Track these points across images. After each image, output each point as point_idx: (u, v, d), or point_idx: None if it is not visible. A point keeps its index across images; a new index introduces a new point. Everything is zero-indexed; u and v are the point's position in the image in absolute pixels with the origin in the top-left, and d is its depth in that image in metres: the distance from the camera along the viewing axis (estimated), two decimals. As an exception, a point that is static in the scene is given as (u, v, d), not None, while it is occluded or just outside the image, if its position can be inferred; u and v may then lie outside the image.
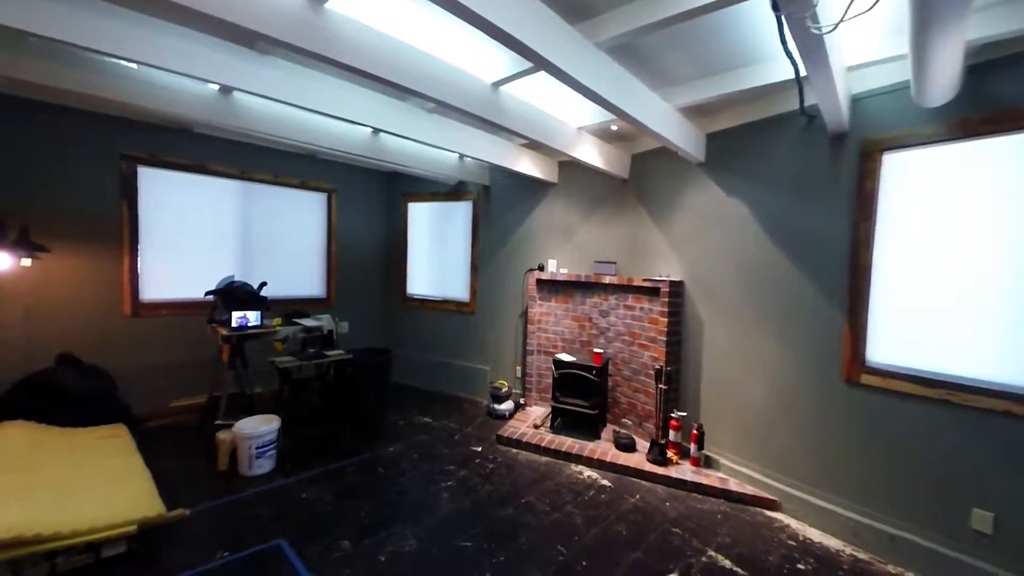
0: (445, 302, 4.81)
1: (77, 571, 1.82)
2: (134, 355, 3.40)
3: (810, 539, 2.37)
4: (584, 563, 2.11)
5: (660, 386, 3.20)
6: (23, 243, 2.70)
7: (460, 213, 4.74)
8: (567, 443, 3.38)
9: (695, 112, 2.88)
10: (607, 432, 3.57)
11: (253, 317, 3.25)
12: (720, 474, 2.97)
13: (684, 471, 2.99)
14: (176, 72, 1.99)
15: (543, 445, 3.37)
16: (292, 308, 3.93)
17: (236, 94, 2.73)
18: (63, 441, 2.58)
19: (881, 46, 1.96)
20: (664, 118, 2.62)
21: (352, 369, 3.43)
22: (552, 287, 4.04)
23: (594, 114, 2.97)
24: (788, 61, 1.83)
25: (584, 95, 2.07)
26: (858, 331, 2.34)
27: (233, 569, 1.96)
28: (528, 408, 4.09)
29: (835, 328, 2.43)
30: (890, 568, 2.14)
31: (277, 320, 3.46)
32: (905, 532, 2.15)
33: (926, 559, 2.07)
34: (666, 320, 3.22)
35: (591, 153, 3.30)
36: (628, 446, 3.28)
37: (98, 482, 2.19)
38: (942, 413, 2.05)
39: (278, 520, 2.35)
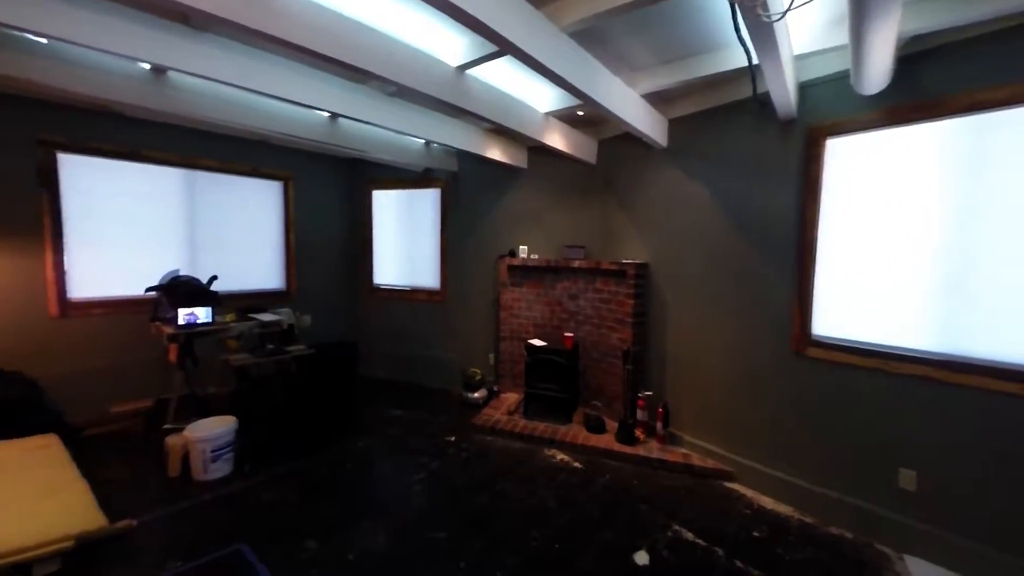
0: (414, 291, 4.71)
1: None
2: (65, 359, 3.10)
3: (763, 507, 2.53)
4: (557, 545, 2.15)
5: (627, 367, 3.29)
6: None
7: (428, 200, 4.63)
8: (540, 427, 3.41)
9: (657, 98, 2.93)
10: (579, 415, 3.63)
11: (203, 314, 3.03)
12: (684, 450, 3.10)
13: (651, 449, 3.09)
14: (95, 48, 1.78)
15: (517, 431, 3.39)
16: (247, 303, 3.71)
17: (171, 74, 2.50)
18: None
19: (825, 36, 2.05)
20: (628, 104, 2.64)
21: (315, 364, 3.29)
22: (523, 273, 4.03)
23: (561, 99, 2.95)
24: (742, 49, 1.88)
25: (551, 80, 2.05)
26: (805, 306, 2.49)
27: (189, 579, 1.84)
28: (502, 395, 4.09)
29: (785, 304, 2.57)
30: (832, 530, 2.31)
31: (230, 316, 3.26)
32: (845, 495, 2.32)
33: (862, 519, 2.25)
34: (632, 302, 3.30)
35: (559, 139, 3.30)
36: (598, 427, 3.36)
37: (28, 496, 1.98)
38: (877, 381, 2.22)
39: (237, 524, 2.23)
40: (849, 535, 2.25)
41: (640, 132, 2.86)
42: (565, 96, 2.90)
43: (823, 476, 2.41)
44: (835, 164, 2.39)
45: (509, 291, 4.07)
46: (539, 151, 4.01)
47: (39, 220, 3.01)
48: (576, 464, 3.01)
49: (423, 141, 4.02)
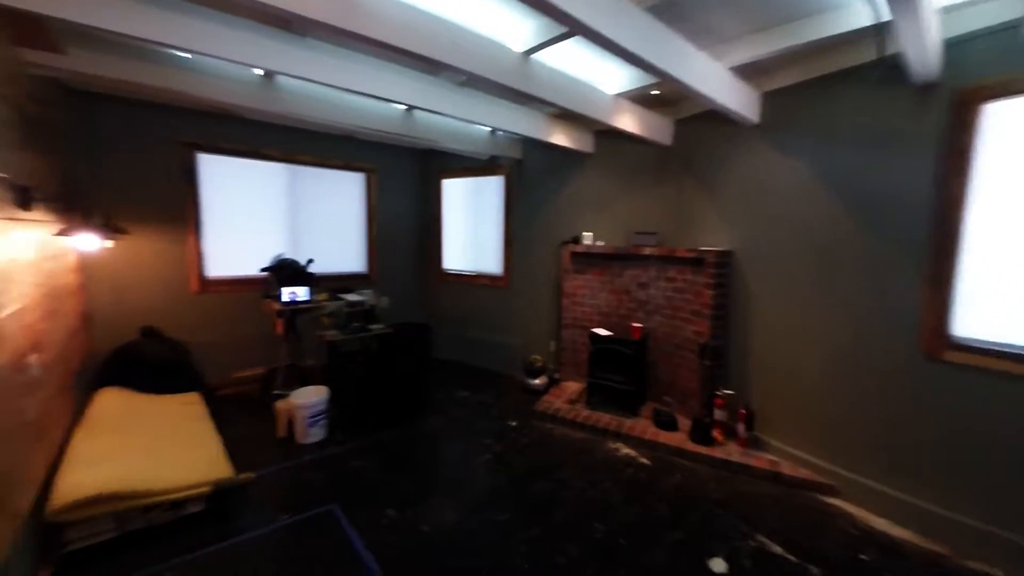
0: (479, 276, 4.86)
1: (164, 526, 2.04)
2: (202, 328, 3.70)
3: (873, 528, 2.23)
4: (622, 540, 2.11)
5: (704, 362, 3.08)
6: (106, 226, 2.96)
7: (493, 188, 4.70)
8: (604, 419, 3.35)
9: (749, 71, 2.60)
10: (646, 409, 3.50)
11: (302, 293, 3.43)
12: (770, 456, 2.84)
13: (730, 451, 2.88)
14: (222, 58, 2.05)
15: (579, 421, 3.36)
16: (337, 284, 4.10)
17: (278, 78, 2.80)
18: (150, 407, 2.87)
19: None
20: (713, 79, 2.40)
21: (392, 343, 3.55)
22: (588, 260, 3.93)
23: (634, 79, 2.78)
24: (864, 6, 1.59)
25: (624, 59, 1.93)
26: (942, 302, 2.09)
27: (294, 530, 2.13)
28: (563, 383, 4.08)
29: (913, 299, 2.19)
30: (971, 564, 1.96)
31: (324, 295, 3.64)
32: (993, 525, 1.95)
33: (1018, 556, 1.87)
34: (711, 292, 3.05)
35: (630, 120, 3.12)
36: (669, 424, 3.21)
37: (180, 445, 2.41)
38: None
39: (331, 486, 2.52)
40: (999, 574, 1.90)
41: (726, 108, 2.58)
42: (638, 76, 2.72)
43: (962, 501, 2.05)
44: (993, 133, 1.94)
45: (572, 278, 4.00)
46: (607, 134, 3.83)
47: (184, 210, 3.60)
48: (643, 460, 2.92)
49: (489, 129, 4.05)
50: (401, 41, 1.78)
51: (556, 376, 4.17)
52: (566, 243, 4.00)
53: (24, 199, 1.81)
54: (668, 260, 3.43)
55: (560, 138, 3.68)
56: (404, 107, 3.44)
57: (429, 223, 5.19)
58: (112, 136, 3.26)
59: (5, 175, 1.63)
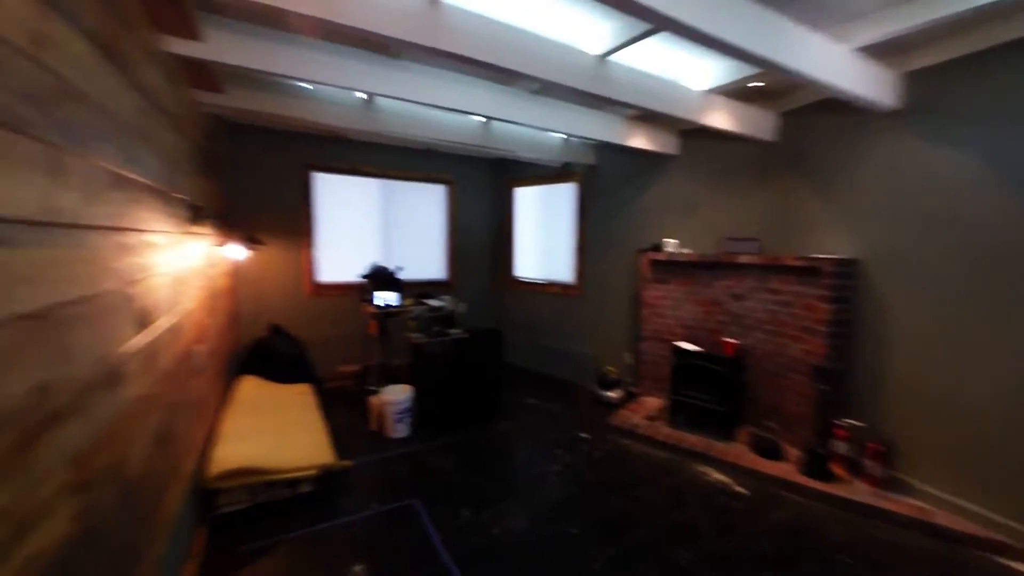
0: (550, 284, 4.81)
1: (282, 502, 2.30)
2: (314, 327, 4.21)
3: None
4: (714, 573, 1.89)
5: (819, 386, 2.65)
6: (248, 238, 3.54)
7: (565, 195, 4.64)
8: (689, 440, 3.07)
9: (883, 50, 2.20)
10: (742, 433, 3.13)
11: (393, 298, 3.71)
12: (917, 501, 2.34)
13: (857, 491, 2.44)
14: (335, 85, 2.30)
15: (659, 439, 3.13)
16: (422, 290, 4.37)
17: (377, 100, 3.10)
18: (275, 394, 3.32)
19: None
20: (833, 63, 2.07)
21: (468, 347, 3.66)
22: (670, 268, 3.66)
23: (728, 72, 2.53)
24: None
25: (719, 50, 1.76)
26: None
27: (381, 519, 2.29)
28: (641, 398, 3.84)
29: None
30: None
31: (409, 300, 3.90)
32: None
33: None
34: (828, 307, 2.63)
35: (723, 117, 2.84)
36: (772, 452, 2.83)
37: (296, 430, 2.73)
38: None
39: (412, 481, 2.67)
40: None
41: (851, 95, 2.22)
42: (735, 68, 2.47)
43: None
44: None
45: (652, 288, 3.74)
46: (694, 134, 3.54)
47: (301, 223, 4.15)
48: (739, 489, 2.60)
49: (563, 136, 4.00)
50: (481, 54, 1.84)
51: (633, 390, 3.94)
52: (645, 251, 3.78)
53: (196, 216, 2.23)
54: (771, 269, 3.04)
55: (639, 141, 3.50)
56: (482, 119, 3.56)
57: (502, 232, 5.30)
58: (251, 160, 3.88)
59: (185, 197, 2.01)
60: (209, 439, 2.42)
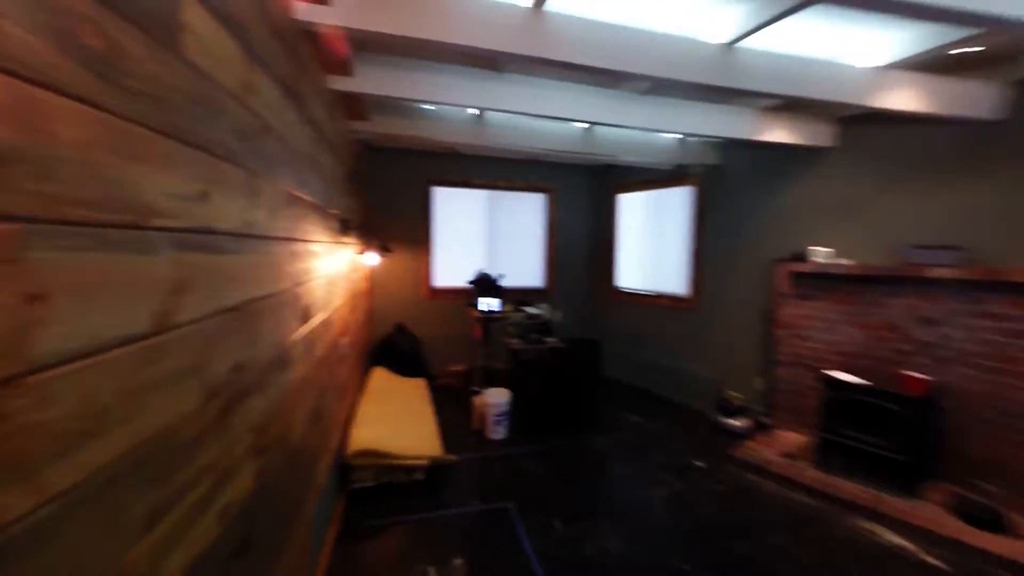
0: (658, 297, 4.47)
1: (399, 486, 2.52)
2: (430, 327, 4.59)
3: None
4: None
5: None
6: (382, 247, 4.04)
7: (678, 199, 4.29)
8: (846, 488, 2.56)
9: None
10: (935, 491, 2.49)
11: (495, 304, 3.86)
12: None
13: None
14: (452, 104, 2.49)
15: (802, 481, 2.68)
16: (521, 297, 4.46)
17: (486, 115, 3.28)
18: (398, 386, 3.69)
19: None
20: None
21: (565, 357, 3.60)
22: (820, 282, 3.10)
23: (916, 41, 2.06)
24: None
25: (906, 15, 1.44)
26: None
27: (479, 518, 2.37)
28: (775, 431, 3.32)
29: None
30: None
31: (510, 307, 4.00)
32: None
33: None
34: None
35: (907, 96, 2.30)
36: (988, 521, 2.20)
37: (414, 421, 3.00)
38: None
39: (508, 484, 2.71)
40: None
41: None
42: (929, 34, 2.00)
43: None
44: None
45: (792, 305, 3.22)
46: (860, 121, 2.96)
47: (422, 232, 4.60)
48: (931, 560, 2.07)
49: (677, 136, 3.71)
50: (587, 58, 1.81)
51: (764, 420, 3.44)
52: (783, 261, 3.28)
53: (344, 228, 2.61)
54: (985, 287, 2.37)
55: (779, 134, 3.06)
56: (585, 125, 3.50)
57: (602, 240, 5.12)
58: (384, 178, 4.42)
59: (337, 212, 2.38)
60: (349, 420, 2.78)
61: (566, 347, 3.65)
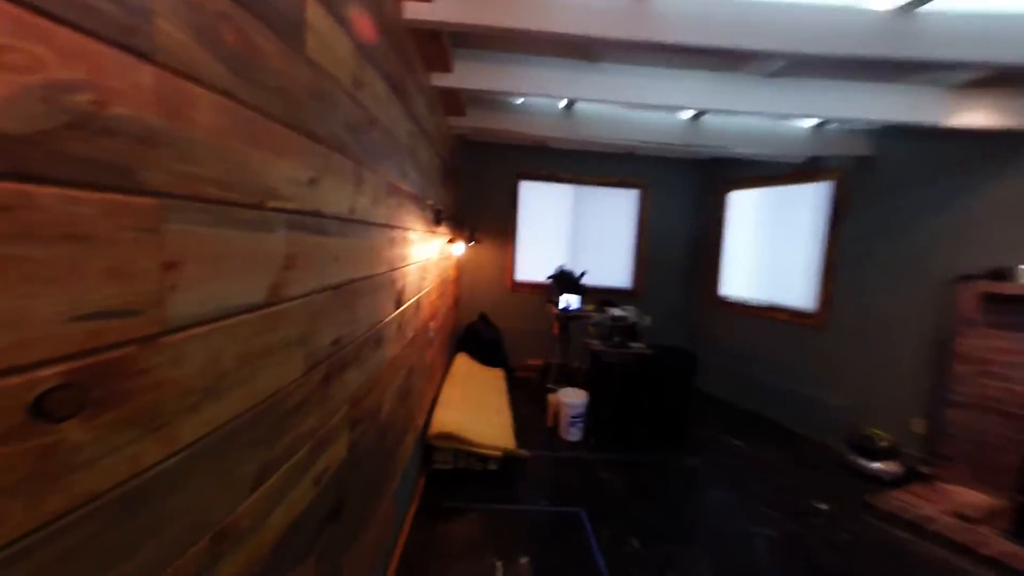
0: (774, 309, 3.91)
1: (475, 473, 2.59)
2: (510, 319, 4.67)
3: None
4: None
5: None
6: (470, 237, 4.20)
7: (809, 198, 3.68)
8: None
9: None
10: None
11: (575, 301, 3.75)
12: None
13: None
14: (542, 95, 2.46)
15: (986, 553, 2.13)
16: (604, 297, 4.27)
17: (576, 108, 3.17)
18: (479, 374, 3.83)
19: None
20: None
21: (652, 365, 3.35)
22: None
23: None
24: None
25: None
26: None
27: (549, 519, 2.33)
28: (939, 484, 2.69)
29: None
30: None
31: (591, 306, 3.86)
32: None
33: None
34: None
35: None
36: None
37: (491, 411, 3.08)
38: None
39: (579, 489, 2.62)
40: None
41: None
42: None
43: None
44: None
45: (982, 334, 2.57)
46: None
47: (508, 227, 4.67)
48: None
49: (811, 124, 3.18)
50: (701, 38, 1.61)
51: (923, 469, 2.82)
52: (972, 278, 2.61)
53: (438, 218, 2.75)
54: None
55: (976, 117, 2.40)
56: (690, 114, 3.18)
57: (705, 241, 4.64)
58: (475, 171, 4.57)
59: (431, 202, 2.51)
60: (433, 401, 2.94)
61: (655, 354, 3.41)
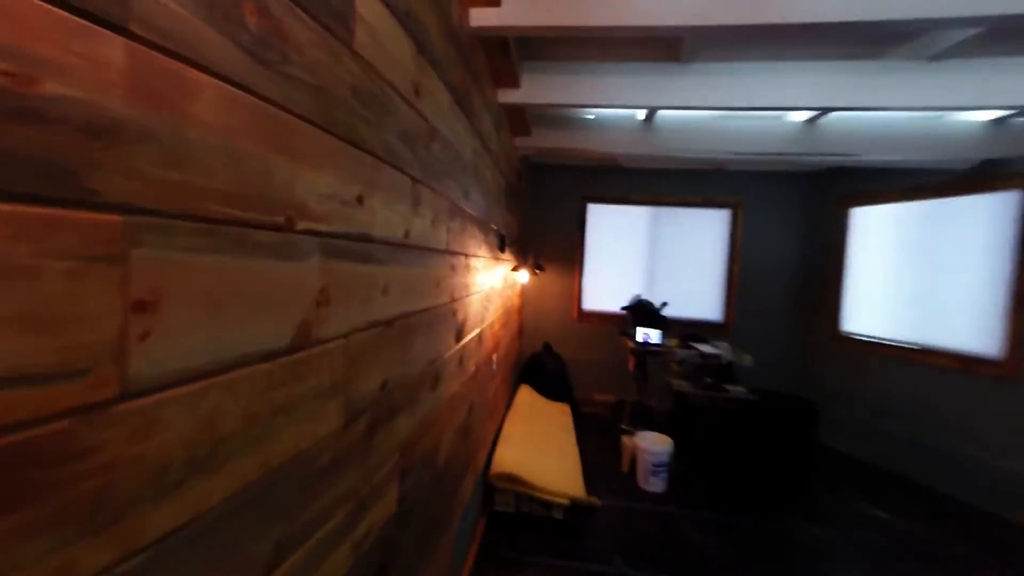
0: (930, 352, 3.13)
1: (537, 519, 2.34)
2: (577, 350, 4.37)
3: None
4: None
5: None
6: (535, 264, 4.06)
7: (981, 212, 2.91)
8: None
9: None
10: None
11: (654, 335, 3.36)
12: None
13: None
14: (614, 106, 2.23)
15: None
16: (688, 330, 3.81)
17: (656, 120, 2.90)
18: (543, 408, 3.56)
19: None
20: None
21: (757, 414, 2.84)
22: None
23: None
24: None
25: None
26: None
27: (625, 579, 1.98)
28: None
29: None
30: None
31: (675, 341, 3.43)
32: None
33: None
34: None
35: None
36: None
37: (556, 451, 2.80)
38: None
39: (664, 550, 2.21)
40: None
41: None
42: None
43: None
44: None
45: None
46: None
47: (575, 252, 4.44)
48: None
49: (990, 117, 2.53)
50: (846, 11, 1.29)
51: None
52: None
53: (502, 244, 2.64)
54: None
55: None
56: (805, 117, 2.74)
57: (820, 267, 3.97)
58: (539, 194, 4.45)
59: (496, 227, 2.41)
60: (495, 436, 2.76)
61: (760, 401, 2.89)
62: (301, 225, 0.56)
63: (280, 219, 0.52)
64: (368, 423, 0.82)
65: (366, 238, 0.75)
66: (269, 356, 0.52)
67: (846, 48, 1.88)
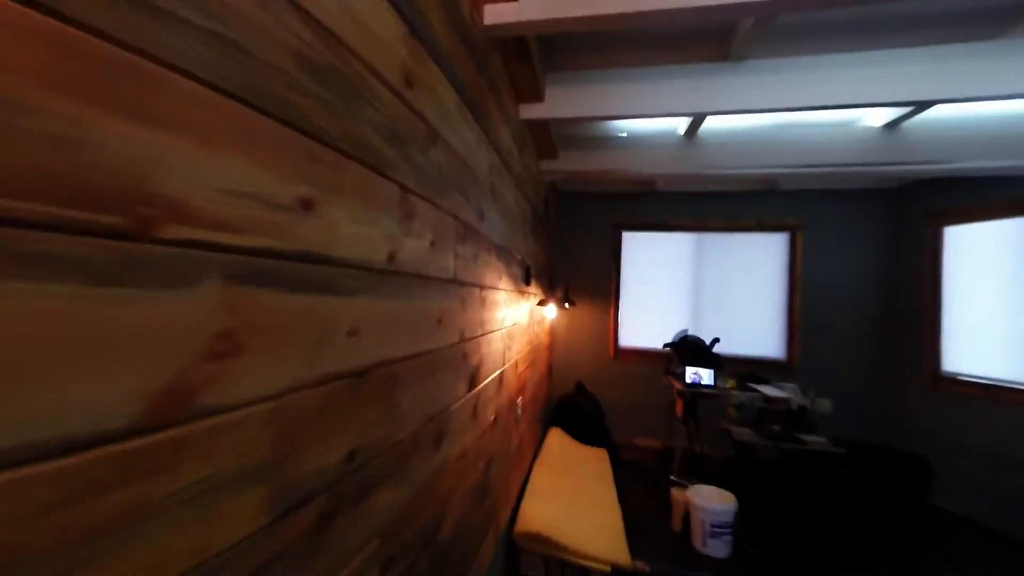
0: None
1: None
2: (614, 390, 3.98)
3: None
4: None
5: None
6: (565, 298, 3.80)
7: None
8: None
9: None
10: None
11: (706, 375, 2.96)
12: None
13: None
14: (651, 115, 1.97)
15: None
16: (745, 369, 3.36)
17: (699, 134, 2.64)
18: (576, 454, 3.19)
19: None
20: None
21: (844, 468, 2.35)
22: None
23: None
24: None
25: None
26: None
27: None
28: None
29: None
30: None
31: (731, 382, 3.00)
32: None
33: None
34: None
35: None
36: None
37: (592, 504, 2.43)
38: None
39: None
40: None
41: None
42: None
43: None
44: None
45: None
46: None
47: (608, 285, 4.14)
48: None
49: None
50: None
51: None
52: None
53: (527, 276, 2.43)
54: None
55: None
56: (884, 120, 2.37)
57: (907, 297, 3.42)
58: (567, 223, 4.24)
59: (520, 257, 2.21)
60: (522, 487, 2.44)
61: (850, 455, 2.39)
62: (171, 232, 0.37)
63: (118, 219, 0.33)
64: (322, 511, 0.59)
65: (318, 259, 0.55)
66: (104, 440, 0.32)
67: (947, 31, 1.57)
